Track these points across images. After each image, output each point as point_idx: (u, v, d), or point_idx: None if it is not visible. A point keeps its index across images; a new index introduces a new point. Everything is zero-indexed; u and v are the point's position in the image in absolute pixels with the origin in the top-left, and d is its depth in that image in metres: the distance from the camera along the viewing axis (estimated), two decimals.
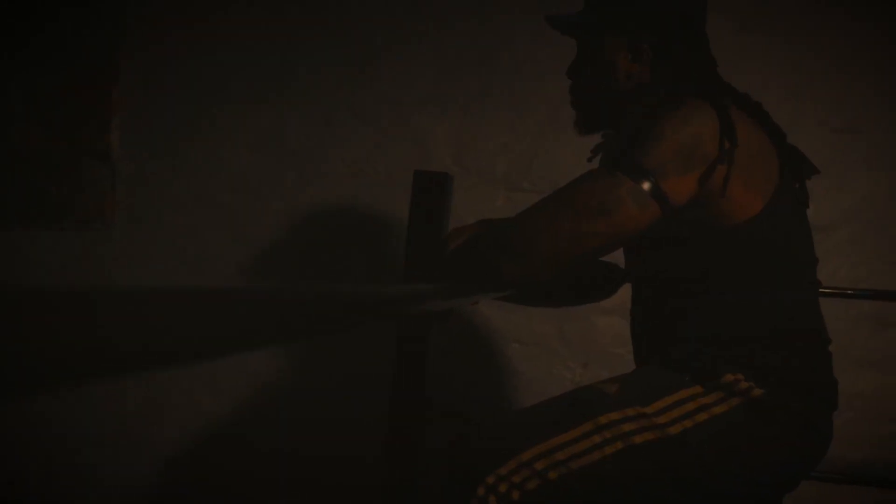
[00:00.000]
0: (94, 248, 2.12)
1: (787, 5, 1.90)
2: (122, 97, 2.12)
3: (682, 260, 1.08)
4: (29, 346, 0.24)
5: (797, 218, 1.11)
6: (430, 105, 2.03)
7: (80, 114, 2.09)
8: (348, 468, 1.99)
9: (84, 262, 2.12)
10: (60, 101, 2.09)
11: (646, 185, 0.95)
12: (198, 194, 2.11)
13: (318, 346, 2.05)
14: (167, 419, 2.10)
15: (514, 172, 1.99)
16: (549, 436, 1.00)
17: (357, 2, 2.06)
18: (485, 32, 2.02)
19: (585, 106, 1.22)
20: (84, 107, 2.08)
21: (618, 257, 1.26)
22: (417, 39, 2.04)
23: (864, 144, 1.89)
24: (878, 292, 1.79)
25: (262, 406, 2.08)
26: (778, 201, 1.05)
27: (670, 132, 0.98)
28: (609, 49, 1.14)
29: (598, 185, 0.97)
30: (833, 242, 1.88)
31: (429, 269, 1.26)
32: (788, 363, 1.03)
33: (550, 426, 1.02)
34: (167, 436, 2.10)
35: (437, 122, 2.02)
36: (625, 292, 1.43)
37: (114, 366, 0.28)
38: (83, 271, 2.12)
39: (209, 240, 2.10)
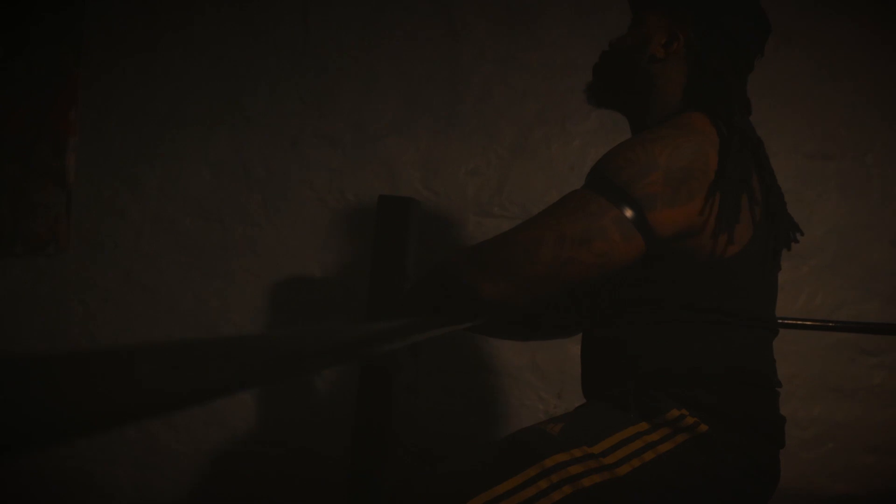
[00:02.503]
0: (46, 273, 2.02)
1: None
2: (79, 118, 2.04)
3: (640, 284, 1.04)
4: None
5: (767, 260, 1.07)
6: (399, 128, 1.98)
7: (34, 134, 2.01)
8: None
9: (37, 287, 2.02)
10: (13, 121, 2.00)
11: (630, 215, 0.91)
12: (157, 219, 2.02)
13: None
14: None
15: (484, 197, 1.94)
16: (491, 483, 0.93)
17: (321, 23, 2.02)
18: (454, 54, 1.99)
19: (604, 70, 1.17)
20: (39, 127, 2.00)
21: None
22: (385, 61, 2.00)
23: (836, 171, 1.88)
24: (851, 324, 1.76)
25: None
26: (754, 245, 1.01)
27: (663, 161, 0.93)
28: (650, 24, 1.11)
29: (582, 212, 0.92)
30: (807, 270, 1.86)
31: (394, 296, 1.21)
32: (730, 401, 0.99)
33: (493, 472, 0.95)
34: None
35: (406, 145, 1.97)
36: None
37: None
38: (35, 297, 2.02)
39: (167, 267, 2.01)
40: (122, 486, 1.99)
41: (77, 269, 2.02)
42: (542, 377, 1.91)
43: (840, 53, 1.89)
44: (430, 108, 1.98)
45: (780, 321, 1.19)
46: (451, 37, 1.99)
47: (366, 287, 1.46)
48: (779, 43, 1.89)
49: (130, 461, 1.99)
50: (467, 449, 1.07)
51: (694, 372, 0.99)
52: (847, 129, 1.88)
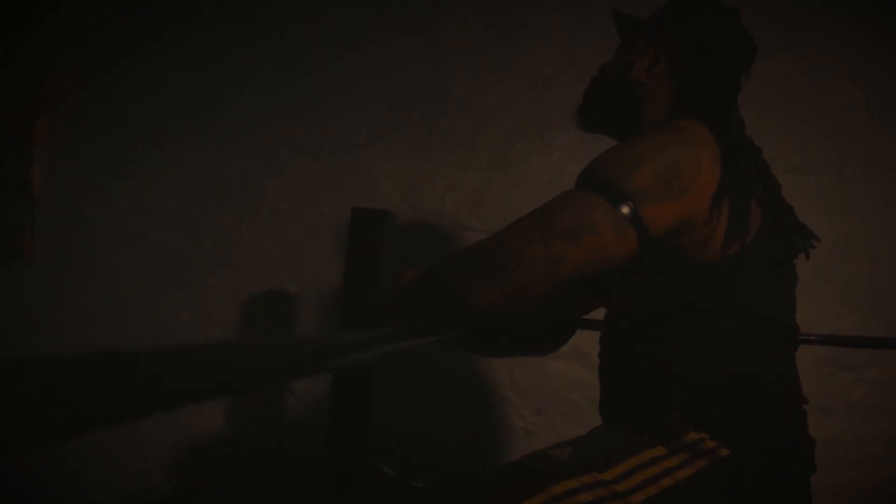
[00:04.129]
0: (9, 287, 1.96)
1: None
2: (47, 128, 1.99)
3: (649, 293, 1.01)
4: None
5: (774, 264, 1.04)
6: (377, 140, 1.95)
7: None
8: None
9: None
10: None
11: (624, 210, 0.88)
12: (127, 232, 1.97)
13: None
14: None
15: (463, 210, 1.92)
16: None
17: (300, 33, 1.99)
18: (435, 67, 1.97)
19: (593, 98, 1.18)
20: (3, 136, 1.94)
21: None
22: (364, 72, 1.97)
23: (815, 185, 1.88)
24: (830, 337, 1.75)
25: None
26: (755, 247, 0.99)
27: (650, 156, 0.92)
28: (636, 49, 1.13)
29: (571, 206, 0.89)
30: None
31: (367, 310, 1.17)
32: (754, 419, 0.94)
33: (499, 501, 0.91)
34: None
35: (384, 158, 1.94)
36: (578, 334, 1.35)
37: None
38: None
39: (138, 281, 1.96)
40: (93, 482, 1.92)
41: (43, 283, 1.96)
42: (520, 394, 1.87)
43: (819, 68, 1.90)
44: (409, 120, 1.96)
45: None
46: (432, 49, 1.97)
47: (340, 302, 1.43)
48: (758, 57, 1.89)
49: (104, 456, 1.92)
50: (473, 476, 1.03)
51: (712, 389, 0.95)
52: (826, 144, 1.88)
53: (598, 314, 1.23)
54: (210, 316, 1.94)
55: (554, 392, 1.86)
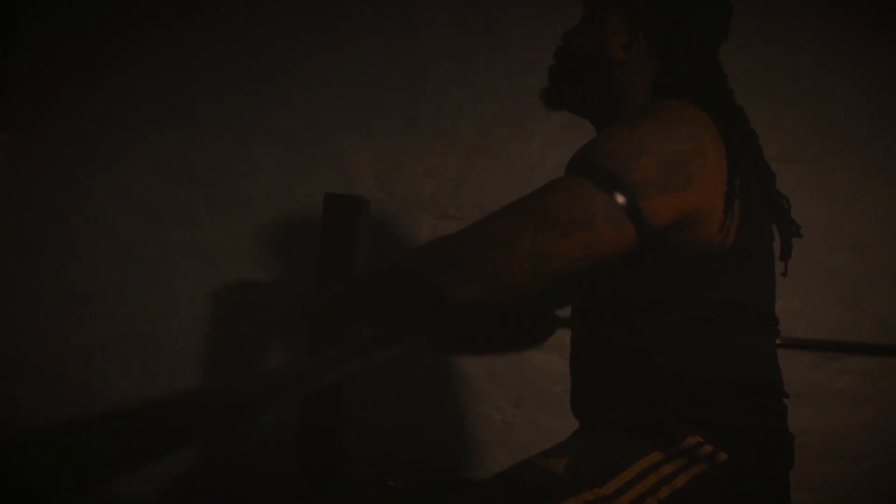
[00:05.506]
0: None
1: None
2: (9, 114, 1.91)
3: (636, 283, 0.95)
4: None
5: (766, 262, 1.00)
6: (353, 126, 1.89)
7: None
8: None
9: None
10: None
11: (622, 201, 0.81)
12: (93, 221, 1.90)
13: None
14: None
15: (441, 198, 1.87)
16: None
17: (273, 16, 1.92)
18: (413, 51, 1.91)
19: (560, 71, 1.09)
20: None
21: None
22: (341, 56, 1.91)
23: (798, 174, 1.85)
24: (812, 342, 1.73)
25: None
26: (753, 238, 0.94)
27: (655, 145, 0.85)
28: (609, 25, 1.05)
29: (566, 196, 0.82)
30: None
31: (334, 303, 1.12)
32: (750, 420, 0.91)
33: None
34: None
35: (360, 144, 1.89)
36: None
37: None
38: None
39: (104, 272, 1.89)
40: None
41: (6, 273, 1.89)
42: (498, 385, 1.83)
43: (802, 56, 1.87)
44: (386, 105, 1.90)
45: None
46: (410, 33, 1.91)
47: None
48: (740, 45, 1.85)
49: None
50: (462, 491, 0.96)
51: (707, 388, 0.90)
52: (809, 133, 1.85)
53: None
54: (180, 308, 1.88)
55: (533, 384, 1.82)
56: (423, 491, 1.39)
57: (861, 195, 1.84)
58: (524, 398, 1.82)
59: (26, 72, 1.92)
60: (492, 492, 0.90)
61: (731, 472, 0.87)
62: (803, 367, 1.81)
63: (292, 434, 1.73)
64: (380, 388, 1.81)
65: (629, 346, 0.95)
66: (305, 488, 1.21)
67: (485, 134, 1.89)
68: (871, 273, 1.82)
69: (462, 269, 0.82)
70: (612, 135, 0.89)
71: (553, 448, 0.95)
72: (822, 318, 1.81)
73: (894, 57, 1.86)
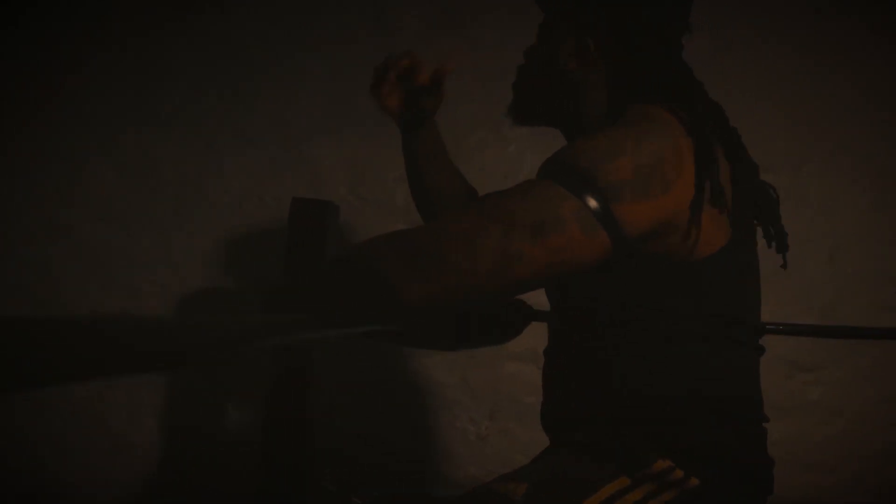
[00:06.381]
0: None
1: (690, 43, 1.85)
2: None
3: (610, 294, 0.90)
4: None
5: (753, 265, 0.97)
6: (325, 129, 1.85)
7: None
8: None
9: None
10: None
11: (594, 205, 0.76)
12: (53, 225, 1.83)
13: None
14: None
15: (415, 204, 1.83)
16: None
17: (244, 15, 1.87)
18: (385, 52, 1.87)
19: (520, 87, 1.07)
20: None
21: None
22: (312, 58, 1.87)
23: (775, 183, 1.84)
24: (792, 326, 1.71)
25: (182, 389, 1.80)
26: (739, 240, 0.90)
27: (630, 146, 0.80)
28: (559, 33, 1.01)
29: (535, 198, 0.77)
30: None
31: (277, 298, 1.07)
32: (724, 443, 0.86)
33: None
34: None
35: (332, 148, 1.84)
36: (535, 333, 1.28)
37: None
38: None
39: (64, 277, 1.82)
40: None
41: None
42: (473, 397, 1.79)
43: (777, 65, 1.86)
44: (357, 107, 1.86)
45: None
46: (383, 35, 1.88)
47: None
48: (715, 54, 1.85)
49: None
50: (418, 499, 0.90)
51: (679, 407, 0.86)
52: (785, 141, 1.85)
53: None
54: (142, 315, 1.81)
55: (508, 395, 1.78)
56: None
57: (838, 204, 1.84)
58: (498, 410, 1.79)
59: None
60: None
61: (702, 499, 0.83)
62: (778, 380, 1.80)
63: (256, 435, 1.68)
64: (349, 395, 1.77)
65: (598, 361, 0.91)
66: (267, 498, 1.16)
67: (459, 139, 1.85)
68: (847, 283, 1.82)
69: (418, 266, 0.75)
70: (585, 140, 0.85)
71: (513, 472, 0.90)
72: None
73: (868, 64, 1.86)
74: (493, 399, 1.79)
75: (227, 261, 1.84)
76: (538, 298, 1.05)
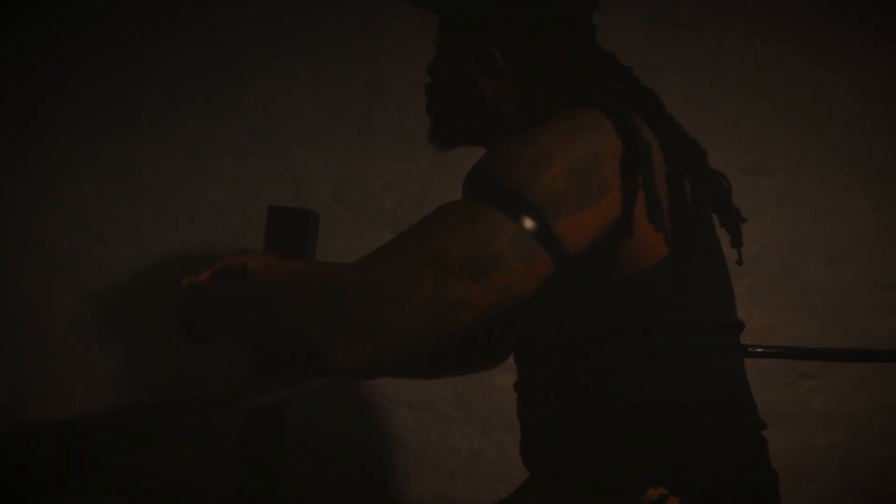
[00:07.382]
0: None
1: (688, 43, 1.81)
2: None
3: (573, 317, 0.83)
4: None
5: (715, 260, 0.90)
6: (310, 136, 1.79)
7: None
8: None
9: None
10: None
11: (531, 226, 0.70)
12: (26, 236, 1.76)
13: None
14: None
15: (403, 212, 1.77)
16: None
17: (226, 18, 1.82)
18: (374, 59, 1.82)
19: (439, 113, 1.00)
20: None
21: None
22: (297, 62, 1.81)
23: (770, 186, 1.80)
24: (789, 349, 1.67)
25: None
26: (691, 238, 0.82)
27: (559, 151, 0.73)
28: (459, 50, 0.95)
29: (467, 230, 0.70)
30: (743, 289, 1.76)
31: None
32: (722, 462, 0.80)
33: None
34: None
35: (317, 155, 1.79)
36: None
37: None
38: None
39: (37, 291, 1.75)
40: None
41: None
42: (465, 411, 1.73)
43: (773, 67, 1.82)
44: (345, 114, 1.81)
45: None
46: (370, 39, 1.82)
47: None
48: (715, 54, 1.80)
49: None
50: None
51: (668, 427, 0.79)
52: (781, 144, 1.81)
53: None
54: (122, 331, 1.75)
55: (501, 408, 1.72)
56: None
57: (835, 207, 1.80)
58: (491, 424, 1.73)
59: None
60: None
61: None
62: (779, 388, 1.75)
63: (234, 457, 1.61)
64: (333, 410, 1.70)
65: (575, 389, 0.84)
66: None
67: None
68: (846, 286, 1.78)
69: (344, 328, 0.67)
70: (509, 146, 0.77)
71: (499, 502, 0.84)
72: (795, 332, 1.76)
73: (868, 64, 1.82)
74: (487, 413, 1.73)
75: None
76: None
